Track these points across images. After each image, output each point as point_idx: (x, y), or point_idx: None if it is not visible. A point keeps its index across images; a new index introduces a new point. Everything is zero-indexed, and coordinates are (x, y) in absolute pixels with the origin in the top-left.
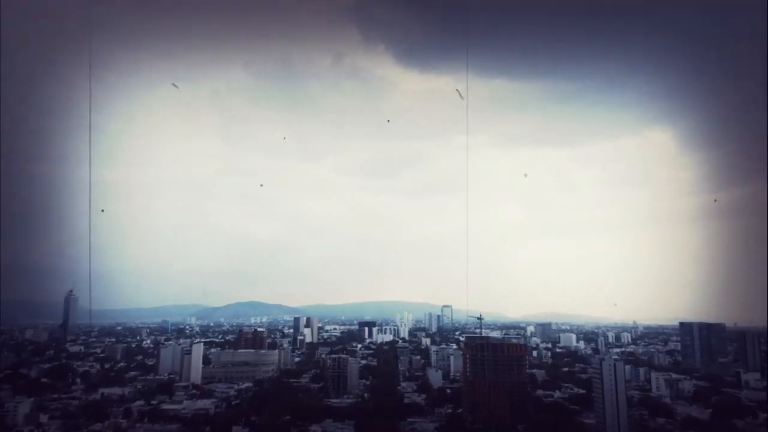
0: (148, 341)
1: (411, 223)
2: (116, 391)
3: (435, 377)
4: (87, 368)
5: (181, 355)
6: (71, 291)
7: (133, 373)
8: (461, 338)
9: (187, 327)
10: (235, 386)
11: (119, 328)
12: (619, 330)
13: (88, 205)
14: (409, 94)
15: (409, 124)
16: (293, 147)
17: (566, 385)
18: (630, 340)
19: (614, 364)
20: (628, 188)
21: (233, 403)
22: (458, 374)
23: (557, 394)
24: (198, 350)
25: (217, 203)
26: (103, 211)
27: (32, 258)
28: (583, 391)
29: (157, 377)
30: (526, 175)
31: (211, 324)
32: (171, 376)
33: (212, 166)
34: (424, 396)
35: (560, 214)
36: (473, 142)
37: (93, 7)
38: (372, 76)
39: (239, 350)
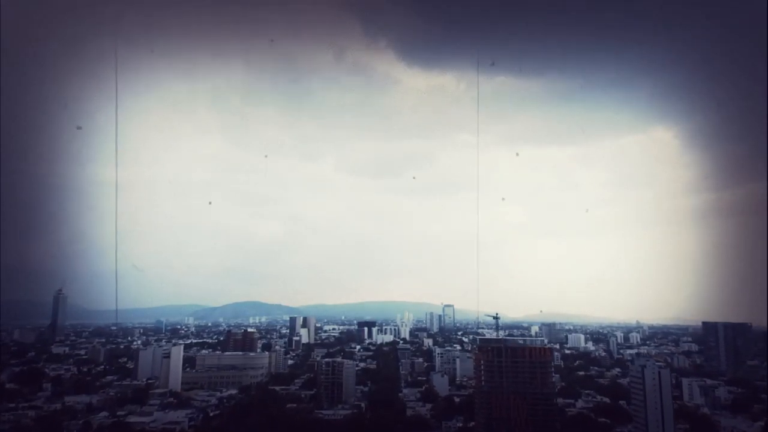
0: (139, 342)
1: (412, 223)
2: (83, 399)
3: (440, 383)
4: (62, 372)
5: (160, 359)
6: (60, 290)
7: (110, 378)
8: (464, 339)
9: (182, 327)
10: (218, 393)
11: (114, 328)
12: (624, 330)
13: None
14: (412, 91)
15: (412, 122)
16: (294, 145)
17: (586, 391)
18: (639, 340)
19: (659, 372)
20: (632, 187)
21: (211, 414)
22: (465, 379)
23: (580, 403)
24: (177, 353)
25: (217, 202)
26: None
27: (32, 257)
28: (607, 400)
29: (134, 383)
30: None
31: (209, 324)
32: (150, 381)
33: (212, 164)
34: (429, 407)
35: (563, 214)
36: (477, 140)
37: (95, 6)
38: (374, 73)
39: (226, 353)
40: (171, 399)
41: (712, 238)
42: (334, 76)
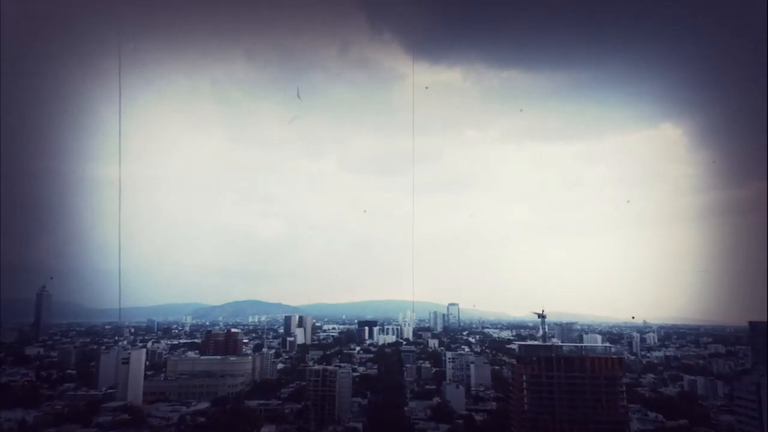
0: (124, 342)
1: (415, 221)
2: (18, 414)
3: (455, 396)
4: (17, 378)
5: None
6: (44, 287)
7: (68, 385)
8: (471, 339)
9: (177, 326)
10: (185, 408)
11: (108, 327)
12: (633, 329)
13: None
14: (418, 86)
15: (417, 119)
16: (297, 142)
17: (632, 405)
18: (656, 341)
19: None
20: (639, 185)
21: None
22: (481, 389)
23: (635, 424)
24: (139, 358)
25: (219, 200)
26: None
27: (33, 256)
28: (661, 417)
29: (91, 393)
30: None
31: (207, 323)
32: (111, 390)
33: (214, 162)
34: (445, 429)
35: (568, 212)
36: (482, 137)
37: (97, 4)
38: (379, 68)
39: (203, 357)
40: (124, 415)
41: (720, 236)
42: (337, 71)
